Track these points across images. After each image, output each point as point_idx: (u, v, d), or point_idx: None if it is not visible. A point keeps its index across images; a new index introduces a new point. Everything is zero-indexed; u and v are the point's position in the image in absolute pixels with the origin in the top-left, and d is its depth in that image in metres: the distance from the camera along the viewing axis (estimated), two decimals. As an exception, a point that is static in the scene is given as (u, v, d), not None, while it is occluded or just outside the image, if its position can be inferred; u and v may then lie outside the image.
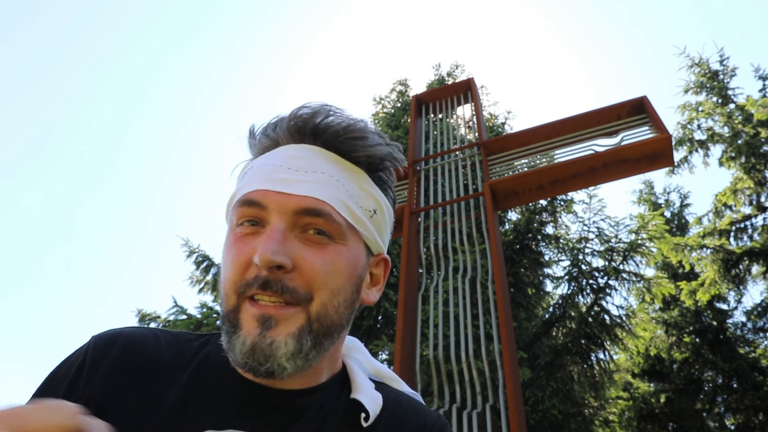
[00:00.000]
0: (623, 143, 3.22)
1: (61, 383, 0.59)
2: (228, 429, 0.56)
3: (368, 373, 0.71)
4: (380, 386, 0.68)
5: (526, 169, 3.53)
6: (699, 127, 8.63)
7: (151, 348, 0.62)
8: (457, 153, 3.88)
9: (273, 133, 0.63)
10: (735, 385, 8.14)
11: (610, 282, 6.39)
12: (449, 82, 10.13)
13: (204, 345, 0.65)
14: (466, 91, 4.43)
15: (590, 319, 6.29)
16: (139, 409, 0.57)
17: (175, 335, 0.66)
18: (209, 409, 0.58)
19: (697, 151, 8.67)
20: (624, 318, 6.37)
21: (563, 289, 6.76)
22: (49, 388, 0.59)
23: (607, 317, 6.34)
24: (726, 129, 8.28)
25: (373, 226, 0.64)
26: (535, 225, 6.97)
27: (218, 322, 0.61)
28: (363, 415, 0.60)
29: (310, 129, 0.61)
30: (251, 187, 0.59)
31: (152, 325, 6.75)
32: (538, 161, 3.51)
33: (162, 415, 0.56)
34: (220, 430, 0.56)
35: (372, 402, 0.62)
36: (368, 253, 0.64)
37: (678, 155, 8.74)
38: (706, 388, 8.43)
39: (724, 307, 9.22)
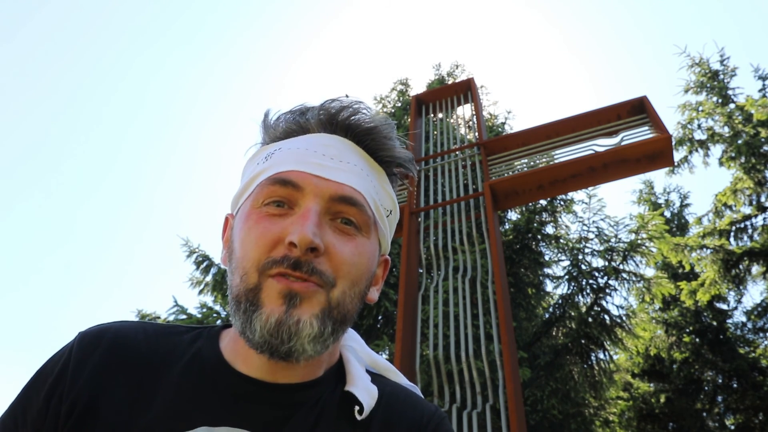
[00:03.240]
0: (623, 143, 3.22)
1: (45, 383, 0.57)
2: (223, 425, 0.55)
3: (365, 364, 0.70)
4: (377, 378, 0.67)
5: (526, 169, 3.53)
6: (699, 126, 8.63)
7: (140, 342, 0.61)
8: (457, 153, 3.88)
9: (302, 120, 0.62)
10: (735, 385, 8.14)
11: (610, 282, 6.39)
12: (449, 82, 10.13)
13: (196, 339, 0.64)
14: (466, 91, 4.43)
15: (590, 319, 6.29)
16: (129, 408, 0.55)
17: (165, 328, 0.65)
18: (203, 405, 0.56)
19: (697, 150, 8.66)
20: (624, 318, 6.36)
21: (563, 289, 6.77)
22: (34, 388, 0.58)
23: (607, 317, 6.34)
24: (726, 129, 8.28)
25: (388, 225, 0.65)
26: (535, 225, 6.97)
27: (230, 307, 0.59)
28: (357, 408, 0.59)
29: (343, 121, 0.61)
30: (285, 167, 0.58)
31: (152, 325, 6.75)
32: (538, 161, 3.51)
33: (153, 413, 0.55)
34: (214, 427, 0.55)
35: (367, 395, 0.60)
36: (379, 251, 0.65)
37: (678, 155, 8.75)
38: (706, 388, 8.43)
39: (724, 307, 9.22)
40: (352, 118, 0.62)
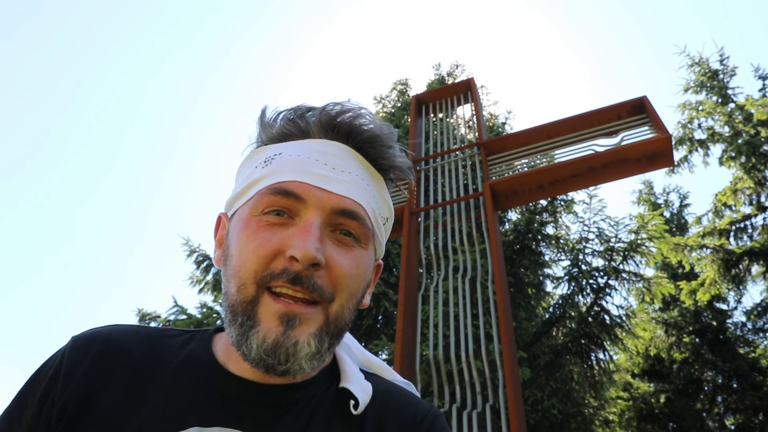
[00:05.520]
0: (623, 143, 3.22)
1: (39, 387, 0.58)
2: (214, 426, 0.55)
3: (358, 362, 0.70)
4: (370, 377, 0.67)
5: (526, 169, 3.53)
6: (699, 126, 8.63)
7: (132, 345, 0.61)
8: (457, 153, 3.88)
9: (302, 123, 0.61)
10: (735, 385, 8.14)
11: (610, 282, 6.39)
12: (449, 82, 10.12)
13: (188, 341, 0.64)
14: (466, 91, 4.43)
15: (590, 319, 6.29)
16: (121, 409, 0.56)
17: (158, 331, 0.65)
18: (195, 405, 0.57)
19: (697, 150, 8.66)
20: (624, 318, 6.36)
21: (563, 289, 6.77)
22: (29, 392, 0.59)
23: (607, 317, 6.34)
24: (726, 128, 8.28)
25: (384, 233, 0.65)
26: (535, 225, 6.97)
27: (224, 314, 0.59)
28: (352, 402, 0.59)
29: (345, 128, 0.60)
30: (287, 177, 0.57)
31: (152, 325, 6.75)
32: (538, 161, 3.51)
33: (145, 414, 0.55)
34: (206, 428, 0.55)
35: (361, 390, 0.60)
36: (374, 258, 0.65)
37: (678, 155, 8.74)
38: (706, 388, 8.43)
39: (724, 307, 9.22)
40: (354, 124, 0.60)
